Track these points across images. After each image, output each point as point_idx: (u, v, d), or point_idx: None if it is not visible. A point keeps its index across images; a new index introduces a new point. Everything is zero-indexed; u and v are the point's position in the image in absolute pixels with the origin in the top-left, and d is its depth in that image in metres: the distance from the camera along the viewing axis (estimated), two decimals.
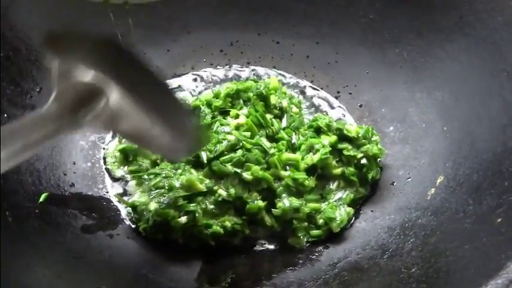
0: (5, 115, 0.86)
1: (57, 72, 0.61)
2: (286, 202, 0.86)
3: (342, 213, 0.88)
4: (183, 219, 0.83)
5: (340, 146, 0.93)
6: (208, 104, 0.99)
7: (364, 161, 0.92)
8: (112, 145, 0.98)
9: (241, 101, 0.98)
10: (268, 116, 0.95)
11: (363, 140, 0.92)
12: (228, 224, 0.84)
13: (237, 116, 0.95)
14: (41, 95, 0.93)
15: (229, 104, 0.98)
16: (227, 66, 1.13)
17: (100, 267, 0.80)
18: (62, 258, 0.78)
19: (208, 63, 1.13)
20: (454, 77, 0.95)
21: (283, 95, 1.01)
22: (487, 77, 0.88)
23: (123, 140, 0.95)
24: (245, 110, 0.95)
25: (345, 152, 0.92)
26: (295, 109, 1.00)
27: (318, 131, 0.95)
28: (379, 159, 0.95)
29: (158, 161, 0.91)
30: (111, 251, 0.83)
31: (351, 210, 0.89)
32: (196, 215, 0.83)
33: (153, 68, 0.61)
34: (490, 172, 0.79)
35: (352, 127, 0.94)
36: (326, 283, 0.79)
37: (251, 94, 0.98)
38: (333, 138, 0.92)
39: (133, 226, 0.88)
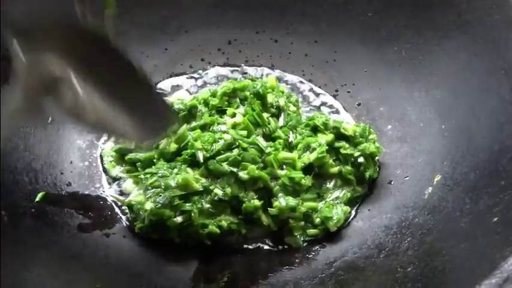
0: None
1: (22, 59, 0.61)
2: (282, 201, 0.85)
3: (338, 212, 0.87)
4: (179, 218, 0.83)
5: (337, 144, 0.92)
6: (206, 103, 0.98)
7: (361, 159, 0.91)
8: (109, 144, 0.98)
9: (238, 99, 0.98)
10: (265, 115, 0.94)
11: (360, 139, 0.92)
12: (224, 223, 0.84)
13: (233, 115, 0.94)
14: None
15: (226, 103, 0.98)
16: (225, 65, 1.13)
17: (96, 266, 0.80)
18: (57, 257, 0.78)
19: (206, 62, 1.13)
20: (452, 75, 0.94)
21: (280, 93, 1.00)
22: (485, 75, 0.88)
23: (119, 140, 0.95)
24: (242, 109, 0.95)
25: (342, 151, 0.92)
26: (292, 108, 1.00)
27: (315, 130, 0.94)
28: (376, 157, 0.94)
29: (155, 160, 0.91)
30: (107, 250, 0.83)
31: (347, 209, 0.89)
32: (192, 214, 0.83)
33: (126, 57, 0.62)
34: (487, 171, 0.79)
35: (349, 125, 0.93)
36: (322, 282, 0.79)
37: (248, 93, 0.97)
38: (330, 136, 0.92)
39: (129, 225, 0.88)
